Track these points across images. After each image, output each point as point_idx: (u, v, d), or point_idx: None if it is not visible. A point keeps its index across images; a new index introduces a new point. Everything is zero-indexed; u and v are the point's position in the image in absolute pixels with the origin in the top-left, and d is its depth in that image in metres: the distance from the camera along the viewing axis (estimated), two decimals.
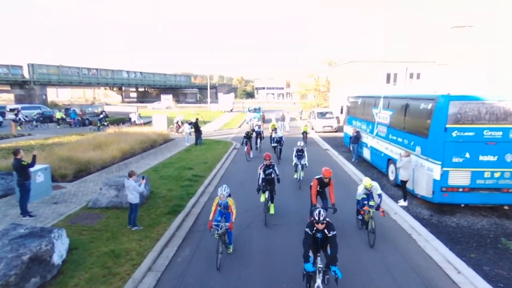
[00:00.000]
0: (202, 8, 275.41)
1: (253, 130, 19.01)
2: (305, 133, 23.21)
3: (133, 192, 8.22)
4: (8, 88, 55.16)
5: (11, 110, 33.02)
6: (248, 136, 17.57)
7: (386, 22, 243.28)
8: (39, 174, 10.29)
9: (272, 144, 17.37)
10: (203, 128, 27.21)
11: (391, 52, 36.88)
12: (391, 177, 12.66)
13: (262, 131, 19.60)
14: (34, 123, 29.41)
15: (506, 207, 9.71)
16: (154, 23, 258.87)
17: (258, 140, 19.30)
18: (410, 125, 11.05)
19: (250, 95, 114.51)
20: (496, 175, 9.06)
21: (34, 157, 8.86)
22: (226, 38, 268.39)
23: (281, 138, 16.76)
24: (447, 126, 8.99)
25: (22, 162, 8.62)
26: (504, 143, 8.93)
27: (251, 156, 17.59)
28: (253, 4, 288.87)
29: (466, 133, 8.96)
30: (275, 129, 20.41)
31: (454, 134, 8.98)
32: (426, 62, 31.93)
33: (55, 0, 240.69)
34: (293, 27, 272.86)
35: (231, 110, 54.42)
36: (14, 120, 28.02)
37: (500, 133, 8.89)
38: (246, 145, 17.56)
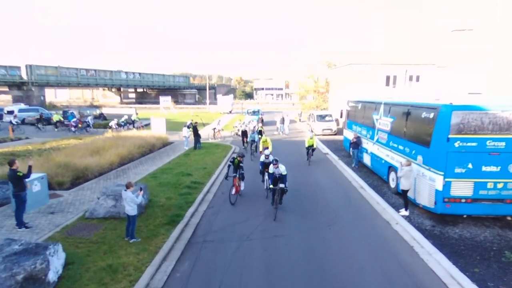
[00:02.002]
0: (202, 8, 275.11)
1: (241, 156, 12.05)
2: (310, 148, 17.31)
3: (131, 204, 8.08)
4: (6, 89, 54.87)
5: (9, 112, 32.79)
6: (236, 165, 11.68)
7: (386, 22, 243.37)
8: (35, 183, 10.13)
9: (269, 186, 10.87)
10: (202, 131, 27.11)
11: (391, 53, 36.68)
12: (392, 184, 12.54)
13: (277, 163, 10.49)
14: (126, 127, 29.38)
15: (509, 218, 9.60)
16: (154, 23, 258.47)
17: (266, 177, 11.91)
18: (412, 133, 10.93)
19: (249, 95, 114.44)
20: (499, 185, 8.94)
21: (29, 167, 8.70)
22: (226, 38, 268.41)
23: (284, 177, 10.36)
24: (450, 136, 8.87)
25: (18, 173, 8.45)
26: (507, 153, 8.81)
27: (240, 193, 11.83)
28: (253, 4, 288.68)
29: (468, 144, 8.84)
30: (267, 148, 14.32)
31: (456, 144, 8.86)
32: (426, 65, 31.86)
33: (55, 0, 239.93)
34: (293, 27, 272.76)
35: (230, 112, 54.26)
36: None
37: (503, 143, 8.78)
38: (232, 178, 11.45)
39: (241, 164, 11.90)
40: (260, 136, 20.22)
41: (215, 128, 27.10)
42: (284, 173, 10.34)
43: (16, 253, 5.99)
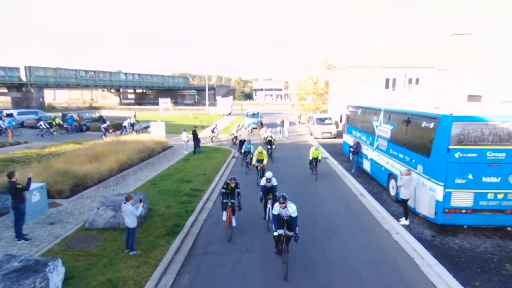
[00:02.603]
0: (202, 8, 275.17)
1: (233, 181, 9.47)
2: (315, 160, 15.54)
3: (131, 216, 8.05)
4: (5, 90, 54.74)
5: (8, 115, 32.68)
6: (230, 191, 9.47)
7: (386, 22, 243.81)
8: (34, 194, 10.09)
9: (277, 232, 7.71)
10: (201, 135, 27.02)
11: (390, 55, 36.64)
12: (392, 192, 12.53)
13: (285, 202, 7.57)
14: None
15: (509, 228, 9.59)
16: (154, 23, 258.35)
17: (270, 206, 9.89)
18: (412, 142, 10.91)
19: (248, 96, 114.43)
20: (500, 196, 8.94)
21: (29, 180, 8.65)
22: (226, 38, 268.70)
23: (294, 220, 7.56)
24: (450, 147, 8.86)
25: (17, 186, 8.41)
26: (508, 164, 8.80)
27: (231, 226, 9.36)
28: (253, 4, 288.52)
29: (469, 154, 8.83)
30: (261, 161, 14.20)
31: (457, 155, 8.85)
32: (425, 67, 31.89)
33: (55, 0, 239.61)
34: (293, 27, 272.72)
35: (230, 114, 54.22)
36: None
37: (504, 154, 8.77)
38: (225, 210, 9.51)
39: (237, 190, 9.51)
40: (270, 146, 19.13)
41: (232, 134, 26.25)
42: (294, 215, 7.46)
43: (16, 270, 5.96)
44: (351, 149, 16.81)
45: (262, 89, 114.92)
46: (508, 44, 16.75)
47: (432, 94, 29.68)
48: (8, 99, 56.08)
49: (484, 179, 8.89)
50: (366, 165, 15.87)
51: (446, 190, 9.01)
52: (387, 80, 32.02)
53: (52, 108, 59.07)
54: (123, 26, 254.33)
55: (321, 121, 29.89)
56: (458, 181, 8.95)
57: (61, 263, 6.88)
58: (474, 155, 8.83)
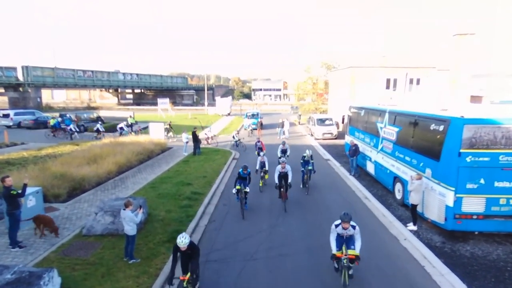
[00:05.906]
0: (202, 8, 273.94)
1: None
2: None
3: (130, 223, 7.71)
4: (1, 90, 54.16)
5: (4, 116, 32.23)
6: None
7: (386, 22, 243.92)
8: (30, 198, 9.72)
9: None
10: (201, 135, 26.64)
11: (391, 55, 36.36)
12: (398, 196, 12.22)
13: None
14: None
15: None
16: (154, 23, 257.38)
17: None
18: (419, 145, 10.61)
19: (247, 96, 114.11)
20: None
21: (24, 186, 8.26)
22: (226, 38, 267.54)
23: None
24: (461, 150, 8.55)
25: (12, 191, 8.04)
26: None
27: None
28: (253, 4, 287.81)
29: (481, 158, 8.53)
30: None
31: (468, 159, 8.55)
32: (426, 68, 31.62)
33: (55, 0, 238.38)
34: (293, 27, 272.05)
35: (229, 114, 53.83)
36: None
37: None
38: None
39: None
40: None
41: (233, 137, 24.74)
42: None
43: (8, 283, 5.61)
44: (351, 147, 16.45)
45: (261, 89, 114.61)
46: (508, 44, 16.52)
47: (434, 95, 29.48)
48: (5, 99, 55.51)
49: (496, 184, 8.59)
50: (370, 168, 15.56)
51: (457, 195, 8.71)
52: (388, 81, 31.76)
53: (49, 108, 58.55)
54: (123, 26, 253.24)
55: (321, 121, 29.57)
56: (469, 186, 8.65)
57: (56, 273, 6.52)
58: (486, 159, 8.52)
